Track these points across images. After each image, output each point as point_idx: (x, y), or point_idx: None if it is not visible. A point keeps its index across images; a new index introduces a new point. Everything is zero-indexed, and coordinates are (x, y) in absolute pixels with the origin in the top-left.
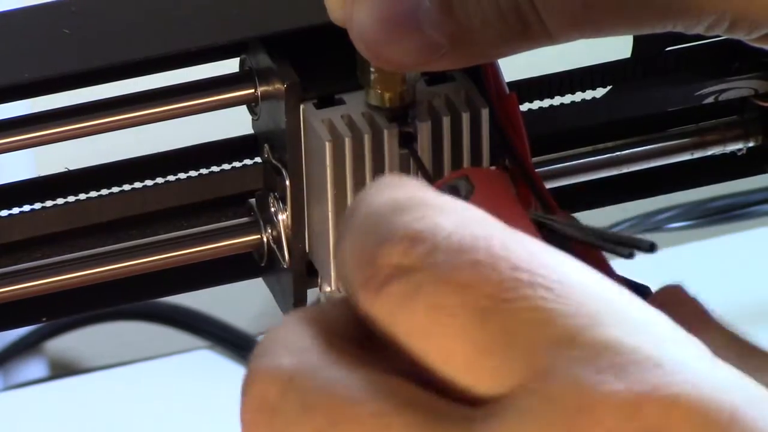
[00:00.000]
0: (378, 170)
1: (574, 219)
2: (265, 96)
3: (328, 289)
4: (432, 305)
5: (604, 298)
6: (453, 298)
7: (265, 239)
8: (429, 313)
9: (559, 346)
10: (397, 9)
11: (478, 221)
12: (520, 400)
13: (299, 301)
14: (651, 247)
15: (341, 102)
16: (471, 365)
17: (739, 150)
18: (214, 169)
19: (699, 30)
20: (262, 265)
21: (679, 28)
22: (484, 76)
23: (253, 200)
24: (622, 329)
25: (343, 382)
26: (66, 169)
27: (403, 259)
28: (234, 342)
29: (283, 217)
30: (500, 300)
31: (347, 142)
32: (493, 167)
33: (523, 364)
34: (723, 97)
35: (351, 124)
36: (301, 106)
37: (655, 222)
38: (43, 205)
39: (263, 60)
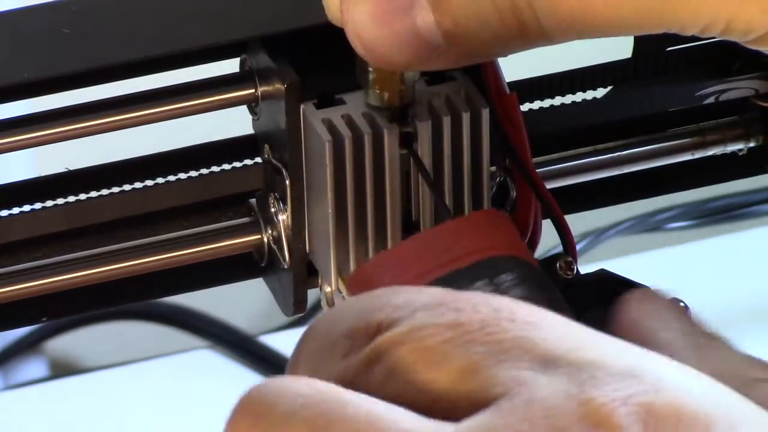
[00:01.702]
0: (378, 170)
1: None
2: (265, 96)
3: (328, 289)
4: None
5: (584, 331)
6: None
7: (265, 239)
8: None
9: (543, 364)
10: (392, 7)
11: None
12: (502, 402)
13: (299, 301)
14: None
15: (341, 102)
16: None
17: (740, 150)
18: (214, 169)
19: (694, 32)
20: (263, 265)
21: (674, 30)
22: (485, 76)
23: (253, 200)
24: (601, 352)
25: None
26: (66, 169)
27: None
28: (234, 342)
29: (283, 217)
30: (484, 333)
31: (347, 142)
32: (492, 208)
33: (509, 377)
34: (723, 97)
35: (351, 124)
36: (301, 106)
37: (655, 222)
38: (43, 205)
39: (263, 60)
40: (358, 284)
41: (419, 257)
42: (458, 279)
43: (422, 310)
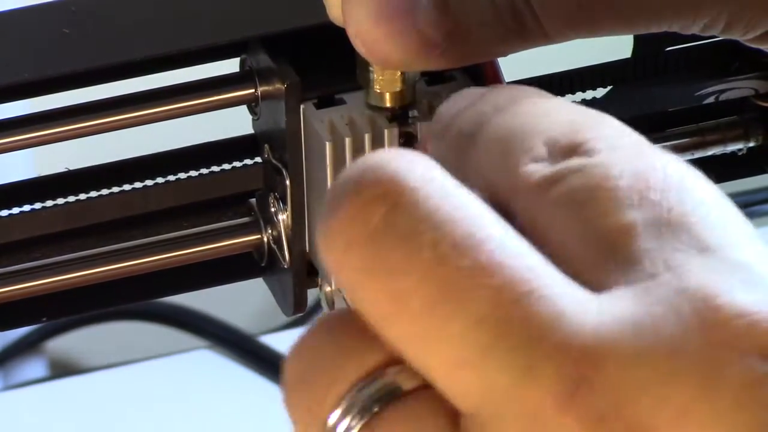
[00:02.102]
0: None
1: None
2: (265, 96)
3: (328, 289)
4: None
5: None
6: None
7: (265, 239)
8: None
9: (699, 251)
10: (393, 6)
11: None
12: (651, 286)
13: (299, 301)
14: None
15: (341, 102)
16: None
17: (740, 150)
18: (214, 169)
19: (695, 30)
20: (262, 265)
21: (674, 28)
22: (485, 76)
23: (253, 200)
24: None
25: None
26: (66, 169)
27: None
28: (234, 342)
29: (283, 217)
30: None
31: (347, 142)
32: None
33: (667, 259)
34: (723, 97)
35: (351, 124)
36: (301, 106)
37: None
38: (43, 205)
39: (263, 60)
40: None
41: None
42: None
43: (621, 149)
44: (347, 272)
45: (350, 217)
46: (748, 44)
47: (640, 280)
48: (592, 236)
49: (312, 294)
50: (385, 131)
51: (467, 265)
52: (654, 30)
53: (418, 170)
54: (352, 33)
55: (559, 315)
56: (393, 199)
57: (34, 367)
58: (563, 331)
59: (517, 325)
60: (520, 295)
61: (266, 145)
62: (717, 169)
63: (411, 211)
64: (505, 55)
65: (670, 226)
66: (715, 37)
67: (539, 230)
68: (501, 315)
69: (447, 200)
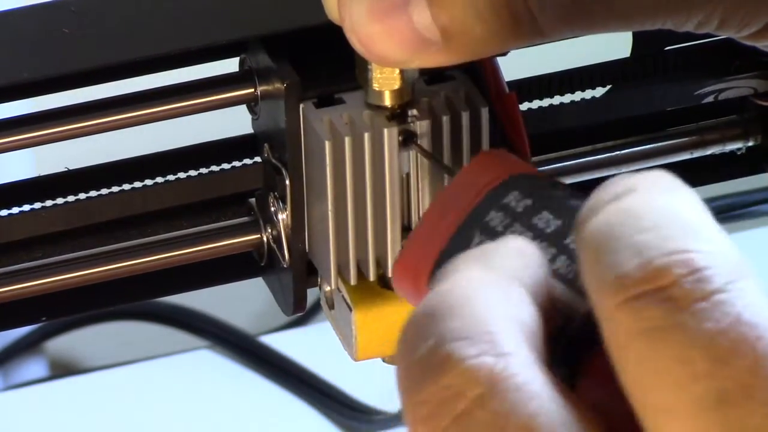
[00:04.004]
0: (378, 170)
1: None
2: (265, 95)
3: (327, 288)
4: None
5: None
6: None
7: (265, 239)
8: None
9: None
10: (389, 3)
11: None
12: None
13: (299, 300)
14: None
15: (341, 101)
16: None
17: (739, 149)
18: (214, 168)
19: (689, 28)
20: (262, 264)
21: (669, 26)
22: (484, 75)
23: (253, 200)
24: None
25: (552, 417)
26: (66, 169)
27: (674, 284)
28: (234, 342)
29: (283, 217)
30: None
31: (347, 141)
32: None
33: None
34: (722, 96)
35: (351, 124)
36: (301, 106)
37: None
38: (43, 204)
39: (263, 59)
40: (405, 271)
41: (442, 217)
42: (472, 221)
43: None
44: None
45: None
46: (743, 42)
47: None
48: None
49: (312, 293)
50: (385, 130)
51: None
52: (648, 27)
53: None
54: (348, 30)
55: None
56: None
57: (34, 367)
58: None
59: None
60: None
61: (266, 145)
62: (716, 169)
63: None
64: (501, 52)
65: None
66: (713, 35)
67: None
68: None
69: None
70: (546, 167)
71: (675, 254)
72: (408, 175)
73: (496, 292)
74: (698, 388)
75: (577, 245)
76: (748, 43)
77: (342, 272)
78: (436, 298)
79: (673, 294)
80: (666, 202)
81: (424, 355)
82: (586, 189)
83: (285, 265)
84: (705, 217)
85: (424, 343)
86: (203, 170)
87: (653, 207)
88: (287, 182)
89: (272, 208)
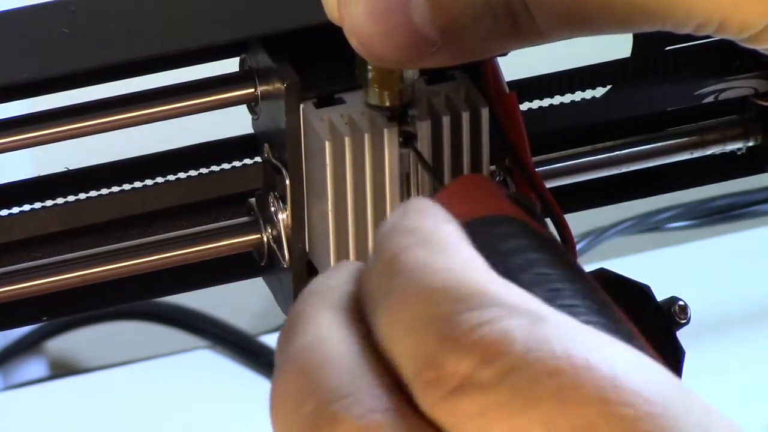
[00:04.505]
0: (378, 170)
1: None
2: (265, 95)
3: None
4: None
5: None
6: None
7: (265, 238)
8: None
9: None
10: (388, 4)
11: (551, 323)
12: None
13: None
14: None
15: (341, 101)
16: None
17: (739, 149)
18: (214, 168)
19: (688, 30)
20: (262, 264)
21: (668, 28)
22: (484, 75)
23: (253, 200)
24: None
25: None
26: (66, 169)
27: (476, 371)
28: (234, 342)
29: (283, 217)
30: None
31: (347, 141)
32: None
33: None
34: (723, 96)
35: (351, 124)
36: (301, 106)
37: (655, 222)
38: (43, 204)
39: (263, 59)
40: None
41: None
42: None
43: (521, 373)
44: None
45: None
46: (742, 45)
47: None
48: None
49: None
50: (385, 130)
51: None
52: (647, 29)
53: None
54: (347, 30)
55: None
56: None
57: (34, 367)
58: None
59: None
60: None
61: (266, 145)
62: (716, 169)
63: None
64: (500, 52)
65: None
66: (711, 36)
67: None
68: None
69: None
70: (546, 167)
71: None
72: (408, 175)
73: (351, 340)
74: None
75: None
76: (748, 46)
77: None
78: (300, 357)
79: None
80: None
81: (309, 418)
82: (585, 191)
83: (285, 265)
84: None
85: (305, 405)
86: (203, 170)
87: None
88: (287, 182)
89: (272, 208)
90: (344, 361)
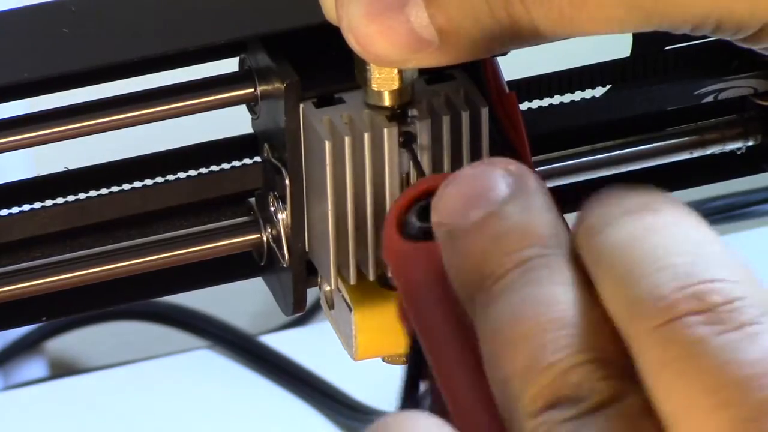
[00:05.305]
0: (377, 170)
1: None
2: (265, 95)
3: (327, 288)
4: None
5: None
6: None
7: (264, 238)
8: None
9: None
10: (386, 3)
11: None
12: None
13: (298, 300)
14: None
15: (341, 101)
16: None
17: (739, 149)
18: (214, 168)
19: (685, 30)
20: (262, 264)
21: (664, 28)
22: (484, 75)
23: (252, 199)
24: None
25: None
26: (65, 169)
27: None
28: (234, 342)
29: (282, 217)
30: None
31: (347, 141)
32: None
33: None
34: (722, 95)
35: (351, 124)
36: (301, 106)
37: None
38: (43, 204)
39: (263, 59)
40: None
41: None
42: None
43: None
44: None
45: None
46: (740, 44)
47: None
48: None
49: (312, 293)
50: (385, 130)
51: None
52: (644, 30)
53: None
54: (345, 30)
55: None
56: None
57: (34, 367)
58: None
59: None
60: None
61: (266, 145)
62: (716, 169)
63: None
64: (499, 52)
65: None
66: (709, 36)
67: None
68: None
69: None
70: (546, 167)
71: (710, 282)
72: (408, 175)
73: None
74: (725, 416)
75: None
76: (746, 45)
77: (342, 272)
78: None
79: (708, 320)
80: (689, 228)
81: None
82: (588, 189)
83: (285, 265)
84: (723, 245)
85: None
86: (203, 170)
87: (678, 231)
88: (287, 182)
89: (272, 208)
90: None
